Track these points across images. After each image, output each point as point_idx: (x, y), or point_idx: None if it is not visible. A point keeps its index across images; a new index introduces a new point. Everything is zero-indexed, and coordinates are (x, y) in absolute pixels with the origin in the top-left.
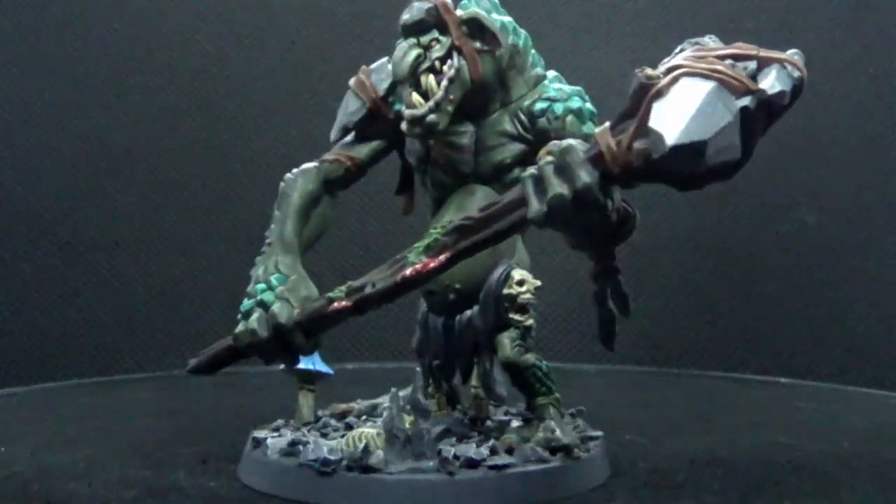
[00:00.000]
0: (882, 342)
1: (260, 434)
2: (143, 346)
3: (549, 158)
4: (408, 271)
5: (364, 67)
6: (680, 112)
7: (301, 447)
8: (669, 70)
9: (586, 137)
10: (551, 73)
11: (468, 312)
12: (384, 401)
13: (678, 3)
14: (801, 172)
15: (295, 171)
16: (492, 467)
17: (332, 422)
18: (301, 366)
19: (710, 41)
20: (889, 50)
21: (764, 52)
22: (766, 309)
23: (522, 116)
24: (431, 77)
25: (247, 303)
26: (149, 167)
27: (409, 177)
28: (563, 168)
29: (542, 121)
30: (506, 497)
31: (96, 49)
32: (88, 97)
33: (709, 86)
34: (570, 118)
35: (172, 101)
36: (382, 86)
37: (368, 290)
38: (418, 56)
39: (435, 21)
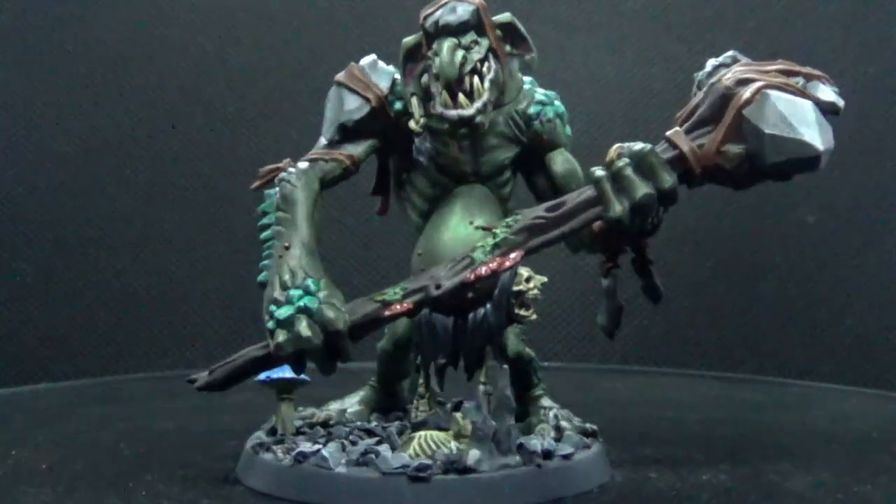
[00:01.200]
0: (882, 342)
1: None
2: (143, 346)
3: (625, 160)
4: (482, 269)
5: (354, 65)
6: (802, 121)
7: (336, 457)
8: (741, 82)
9: (567, 139)
10: (527, 78)
11: (481, 310)
12: (351, 404)
13: (678, 3)
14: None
15: (292, 170)
16: (565, 457)
17: (321, 429)
18: (277, 375)
19: (738, 55)
20: (889, 50)
21: (806, 70)
22: (766, 309)
23: (518, 119)
24: (477, 78)
25: (283, 310)
26: (149, 167)
27: (385, 177)
28: (645, 169)
29: (536, 123)
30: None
31: (96, 49)
32: (88, 97)
33: (807, 101)
34: (557, 121)
35: (172, 101)
36: (383, 84)
37: (433, 290)
38: (463, 57)
39: (475, 22)
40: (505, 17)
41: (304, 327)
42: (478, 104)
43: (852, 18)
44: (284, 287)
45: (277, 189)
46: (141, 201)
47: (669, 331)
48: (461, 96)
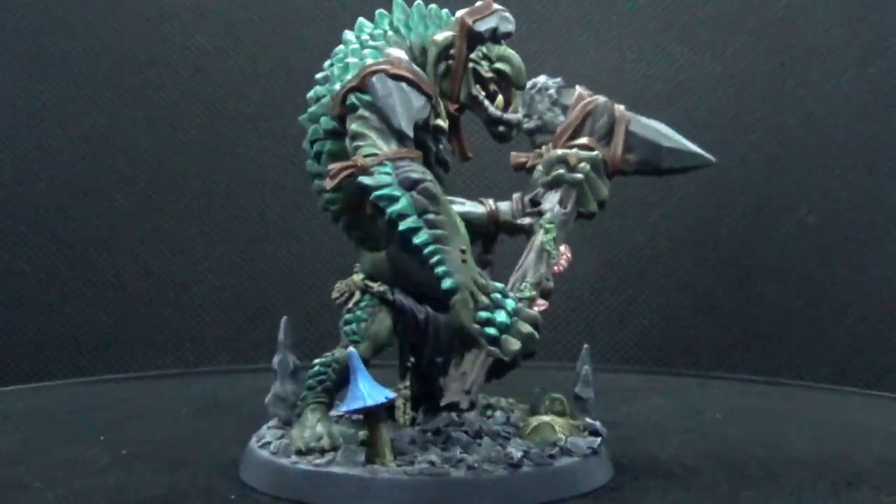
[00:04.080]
0: (882, 342)
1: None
2: (144, 345)
3: (587, 165)
4: (560, 265)
5: (400, 57)
6: (676, 136)
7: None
8: (606, 105)
9: None
10: None
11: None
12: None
13: (678, 3)
14: (801, 172)
15: (417, 167)
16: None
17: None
18: (370, 403)
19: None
20: (889, 50)
21: None
22: (766, 309)
23: None
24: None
25: (501, 315)
26: (149, 167)
27: None
28: (599, 172)
29: None
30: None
31: (96, 49)
32: (88, 97)
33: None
34: None
35: (172, 101)
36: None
37: (547, 284)
38: None
39: None
40: None
41: (528, 328)
42: (522, 111)
43: (852, 18)
44: (485, 292)
45: (391, 190)
46: (141, 201)
47: (669, 331)
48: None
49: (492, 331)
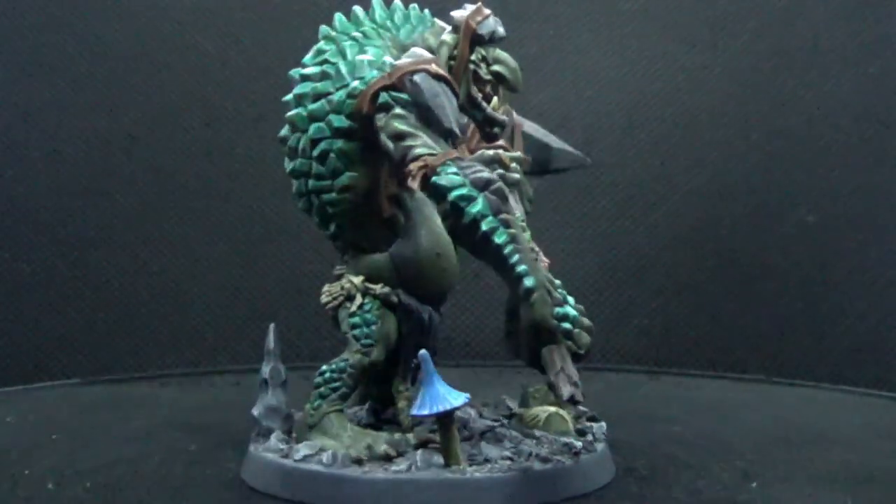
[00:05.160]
0: (882, 342)
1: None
2: (144, 346)
3: (517, 164)
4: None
5: (432, 57)
6: (556, 139)
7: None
8: (506, 108)
9: None
10: None
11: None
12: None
13: (678, 3)
14: (801, 172)
15: (482, 167)
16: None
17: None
18: (453, 405)
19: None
20: (889, 50)
21: None
22: (766, 309)
23: None
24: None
25: (572, 311)
26: (149, 167)
27: None
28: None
29: None
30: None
31: (96, 49)
32: (88, 97)
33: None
34: None
35: (172, 100)
36: None
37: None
38: None
39: None
40: None
41: (588, 321)
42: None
43: (852, 18)
44: (555, 290)
45: (469, 191)
46: (141, 201)
47: (669, 331)
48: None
49: (567, 325)
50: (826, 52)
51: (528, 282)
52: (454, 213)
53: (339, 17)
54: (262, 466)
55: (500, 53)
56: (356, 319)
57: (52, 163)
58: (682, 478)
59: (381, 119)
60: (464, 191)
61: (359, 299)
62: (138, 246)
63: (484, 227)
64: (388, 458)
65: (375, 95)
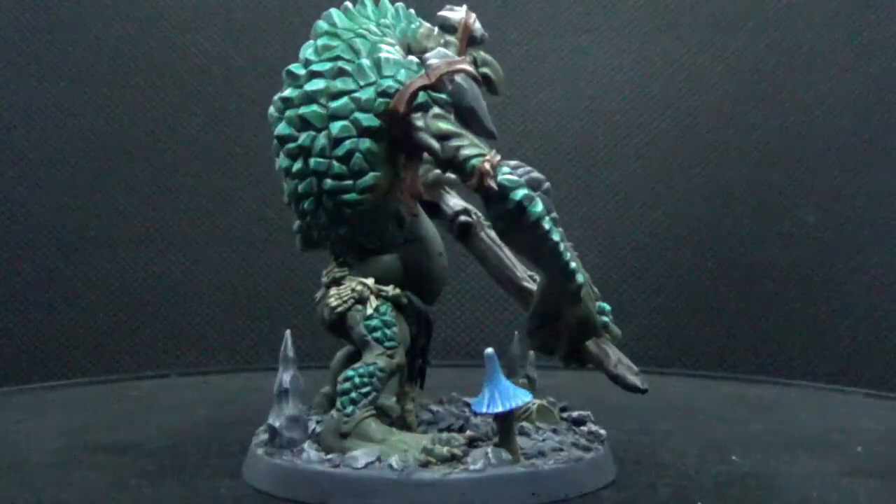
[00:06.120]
0: (882, 342)
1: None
2: (144, 346)
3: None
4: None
5: (464, 57)
6: None
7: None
8: None
9: None
10: None
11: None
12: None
13: (678, 3)
14: (801, 172)
15: (529, 166)
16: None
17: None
18: (520, 402)
19: None
20: (889, 50)
21: None
22: (766, 309)
23: None
24: None
25: (608, 306)
26: (149, 167)
27: None
28: None
29: None
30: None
31: (96, 49)
32: (88, 97)
33: None
34: None
35: (172, 100)
36: None
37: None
38: None
39: None
40: None
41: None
42: None
43: (852, 18)
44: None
45: (529, 191)
46: (141, 201)
47: (669, 331)
48: None
49: (606, 318)
50: (826, 52)
51: (580, 278)
52: (517, 213)
53: (337, 14)
54: (306, 478)
55: (486, 56)
56: (375, 322)
57: (52, 163)
58: (682, 477)
59: (419, 118)
60: (526, 190)
61: (373, 302)
62: (138, 246)
63: (546, 226)
64: (454, 459)
65: (414, 95)
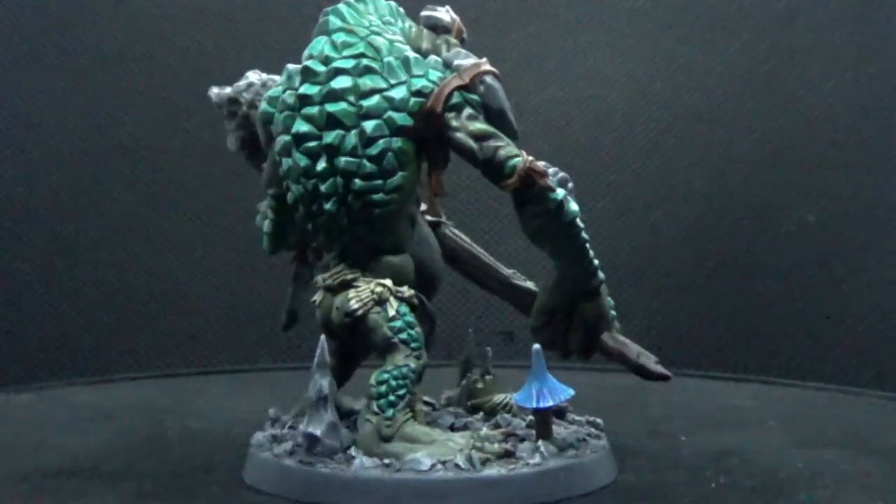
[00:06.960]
0: (882, 342)
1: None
2: (143, 346)
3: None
4: None
5: (485, 59)
6: None
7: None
8: None
9: None
10: None
11: None
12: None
13: (678, 3)
14: (801, 172)
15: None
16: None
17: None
18: (566, 397)
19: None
20: (889, 50)
21: None
22: (766, 309)
23: None
24: None
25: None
26: (149, 167)
27: None
28: None
29: None
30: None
31: (96, 49)
32: (89, 96)
33: None
34: None
35: (173, 100)
36: None
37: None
38: None
39: None
40: None
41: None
42: None
43: (852, 18)
44: None
45: (562, 190)
46: (141, 201)
47: (669, 331)
48: None
49: (614, 312)
50: (826, 52)
51: (601, 275)
52: (556, 212)
53: (346, 9)
54: (364, 485)
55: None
56: (399, 324)
57: (52, 163)
58: (681, 477)
59: (454, 119)
60: (563, 190)
61: (394, 303)
62: (138, 246)
63: (579, 223)
64: (508, 455)
65: (450, 95)
